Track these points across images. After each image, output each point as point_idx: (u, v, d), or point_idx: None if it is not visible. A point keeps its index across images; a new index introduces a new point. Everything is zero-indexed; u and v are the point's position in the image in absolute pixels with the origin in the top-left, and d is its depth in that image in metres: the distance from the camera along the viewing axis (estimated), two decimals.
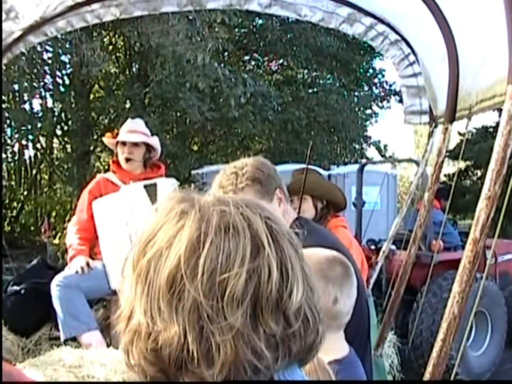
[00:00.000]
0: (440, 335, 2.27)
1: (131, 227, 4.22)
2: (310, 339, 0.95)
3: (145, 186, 4.36)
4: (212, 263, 0.88)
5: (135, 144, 4.53)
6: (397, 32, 3.73)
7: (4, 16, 2.85)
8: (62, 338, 3.95)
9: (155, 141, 4.66)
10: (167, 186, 4.40)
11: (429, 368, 2.31)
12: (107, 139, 4.74)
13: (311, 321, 0.95)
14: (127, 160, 4.54)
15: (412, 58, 3.88)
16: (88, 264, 4.16)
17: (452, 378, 3.29)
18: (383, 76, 21.10)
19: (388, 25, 3.69)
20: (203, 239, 0.90)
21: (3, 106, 13.00)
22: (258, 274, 0.89)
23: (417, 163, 6.58)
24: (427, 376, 2.32)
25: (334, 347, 1.86)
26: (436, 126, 3.91)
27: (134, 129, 4.59)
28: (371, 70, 21.04)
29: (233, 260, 0.88)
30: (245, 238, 0.90)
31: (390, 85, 20.83)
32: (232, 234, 0.90)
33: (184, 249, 0.89)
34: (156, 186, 4.38)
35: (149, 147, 4.62)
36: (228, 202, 0.96)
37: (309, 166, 5.00)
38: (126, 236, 4.22)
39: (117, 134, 4.65)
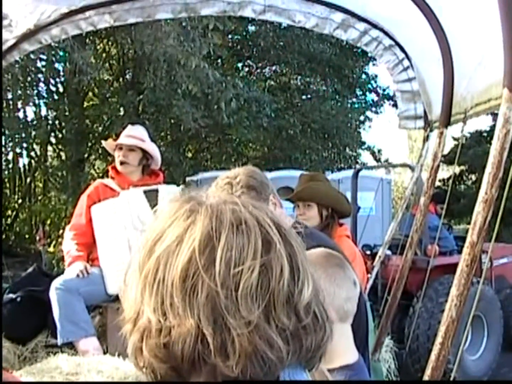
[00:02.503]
0: (439, 339, 2.27)
1: (130, 232, 4.22)
2: (319, 336, 0.96)
3: (145, 192, 4.40)
4: (227, 255, 0.89)
5: (131, 149, 4.59)
6: (391, 37, 3.74)
7: None
8: (59, 342, 3.95)
9: (151, 148, 4.71)
10: (169, 192, 4.42)
11: (428, 372, 2.31)
12: (108, 142, 4.87)
13: (320, 318, 0.96)
14: (122, 163, 4.60)
15: (406, 63, 3.88)
16: (86, 269, 4.16)
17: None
18: (376, 82, 21.16)
19: (382, 30, 3.70)
20: (217, 233, 0.91)
21: None
22: (270, 268, 0.91)
23: (411, 168, 6.59)
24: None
25: (346, 352, 1.87)
26: (431, 131, 3.91)
27: (131, 134, 4.68)
28: (364, 76, 21.07)
29: (246, 254, 0.90)
30: (256, 233, 0.92)
31: (384, 90, 20.85)
32: (244, 229, 0.92)
33: (198, 242, 0.91)
34: (158, 192, 4.42)
35: (146, 154, 4.66)
36: (236, 202, 0.98)
37: (317, 173, 5.02)
38: (124, 241, 4.22)
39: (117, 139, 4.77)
